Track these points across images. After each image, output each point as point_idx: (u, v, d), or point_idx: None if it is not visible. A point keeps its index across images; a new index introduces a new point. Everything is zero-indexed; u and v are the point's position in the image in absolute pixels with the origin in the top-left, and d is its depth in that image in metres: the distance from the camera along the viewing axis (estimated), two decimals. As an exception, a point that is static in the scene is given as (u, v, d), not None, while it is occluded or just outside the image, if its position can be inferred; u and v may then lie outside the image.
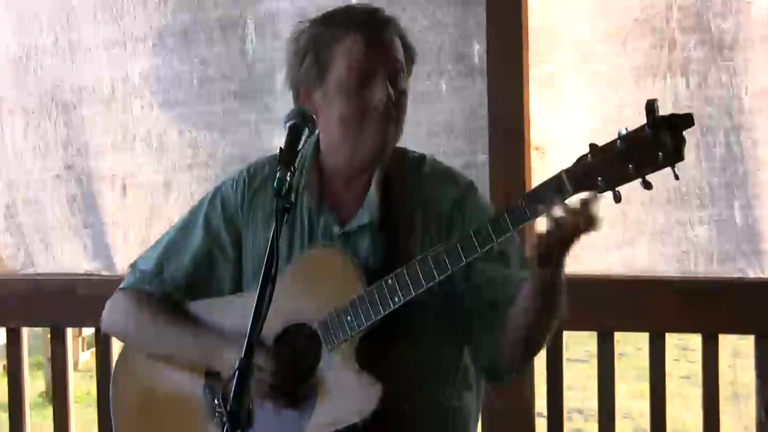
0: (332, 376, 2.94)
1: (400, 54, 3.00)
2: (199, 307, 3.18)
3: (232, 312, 3.10)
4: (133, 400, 3.26)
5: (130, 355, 3.29)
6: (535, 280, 2.77)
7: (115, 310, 3.26)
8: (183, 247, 3.20)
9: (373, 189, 3.04)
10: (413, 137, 4.09)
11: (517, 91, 4.06)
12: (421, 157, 3.15)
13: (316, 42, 2.99)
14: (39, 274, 4.63)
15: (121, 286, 3.28)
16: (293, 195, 2.57)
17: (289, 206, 2.54)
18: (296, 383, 2.98)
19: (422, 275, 2.80)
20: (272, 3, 4.31)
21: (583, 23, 4.09)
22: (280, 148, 2.66)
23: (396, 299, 2.84)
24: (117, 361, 3.33)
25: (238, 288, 3.18)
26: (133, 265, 3.29)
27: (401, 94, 2.99)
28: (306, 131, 2.70)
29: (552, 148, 4.09)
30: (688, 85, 3.99)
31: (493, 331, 2.96)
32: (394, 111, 2.97)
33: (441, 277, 2.80)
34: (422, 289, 2.82)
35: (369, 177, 3.05)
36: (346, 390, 2.91)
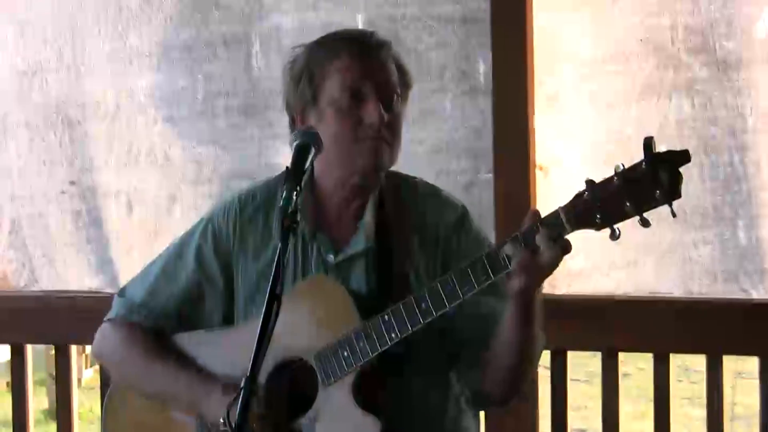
0: (329, 412, 2.93)
1: (394, 77, 3.01)
2: (188, 340, 3.17)
3: (222, 346, 3.10)
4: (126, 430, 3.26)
5: (121, 388, 3.28)
6: (515, 310, 2.78)
7: (105, 342, 3.27)
8: (173, 278, 3.20)
9: (368, 215, 3.04)
10: (416, 156, 4.11)
11: (521, 109, 4.06)
12: (414, 181, 3.16)
13: (310, 65, 3.00)
14: (43, 291, 4.63)
15: (109, 316, 3.27)
16: (299, 214, 2.57)
17: (295, 225, 2.54)
18: (292, 418, 2.97)
19: (419, 311, 2.80)
20: (277, 19, 4.32)
21: (587, 43, 4.10)
22: (287, 167, 2.66)
23: (393, 335, 2.83)
24: (109, 392, 3.32)
25: (227, 319, 3.17)
26: (121, 294, 3.28)
27: (395, 118, 2.99)
28: (312, 151, 2.71)
29: (556, 167, 4.09)
30: (692, 105, 3.99)
31: (477, 363, 2.96)
32: (387, 133, 2.97)
33: (437, 314, 2.79)
34: (419, 326, 2.81)
35: (363, 202, 3.05)
36: (344, 426, 2.90)
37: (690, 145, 3.97)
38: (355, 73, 2.96)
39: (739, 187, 4.00)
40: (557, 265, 2.67)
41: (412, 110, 4.14)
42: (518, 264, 2.66)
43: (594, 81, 4.10)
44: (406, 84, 3.06)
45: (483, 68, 4.17)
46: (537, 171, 4.07)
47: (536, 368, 3.05)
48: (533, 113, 4.08)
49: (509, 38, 4.08)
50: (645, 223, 2.54)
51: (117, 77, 4.48)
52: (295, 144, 2.71)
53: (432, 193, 3.14)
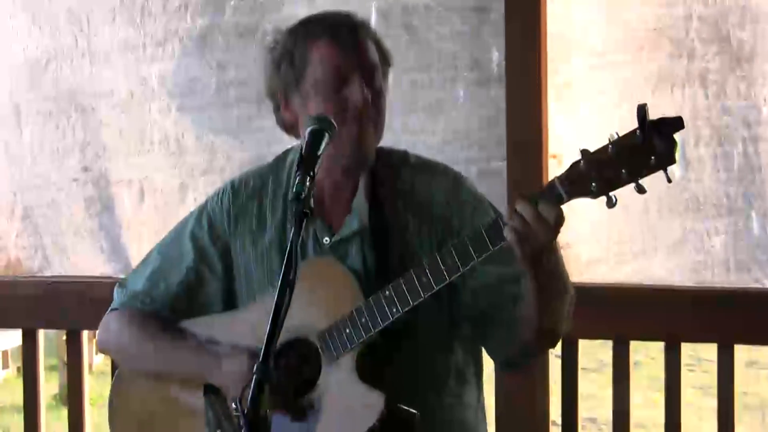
0: (334, 389, 2.95)
1: (374, 55, 3.02)
2: (192, 325, 3.19)
3: (226, 330, 3.12)
4: (131, 423, 3.28)
5: (126, 377, 3.30)
6: (530, 281, 2.79)
7: (108, 329, 3.29)
8: (172, 266, 3.22)
9: (360, 194, 3.05)
10: (428, 145, 4.12)
11: (535, 98, 4.06)
12: (404, 154, 3.16)
13: (290, 49, 3.03)
14: (55, 277, 4.64)
15: (111, 307, 3.29)
16: (312, 200, 2.57)
17: (308, 211, 2.55)
18: (297, 397, 2.99)
19: (419, 285, 2.81)
20: (291, 9, 4.32)
21: (600, 32, 4.10)
22: (300, 152, 2.67)
23: (394, 310, 2.85)
24: (112, 385, 3.33)
25: (228, 304, 3.20)
26: (121, 285, 3.30)
27: (378, 94, 3.01)
28: (326, 136, 2.72)
29: (569, 156, 4.08)
30: (706, 95, 3.99)
31: (500, 329, 2.97)
32: (372, 111, 2.98)
33: (438, 287, 2.81)
34: (420, 300, 2.83)
35: (355, 182, 3.06)
36: (349, 402, 2.92)
37: (703, 136, 3.97)
38: (337, 54, 2.98)
39: (752, 178, 4.00)
40: (555, 234, 2.68)
41: (424, 99, 4.18)
42: (514, 234, 2.66)
43: (607, 70, 4.10)
44: (386, 62, 3.07)
45: (496, 57, 4.17)
46: (551, 160, 4.08)
47: (565, 325, 3.02)
48: (546, 102, 4.08)
49: (522, 27, 4.08)
50: (641, 190, 2.55)
51: (131, 65, 4.49)
52: (308, 130, 2.73)
53: (424, 165, 3.15)
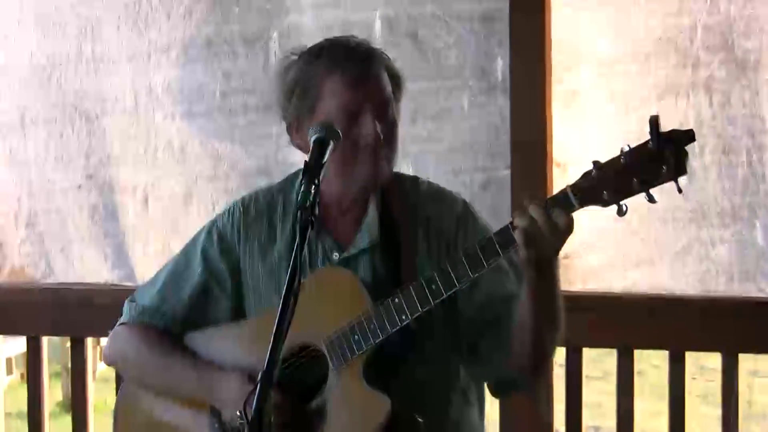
0: (340, 394, 2.95)
1: (387, 86, 3.02)
2: (200, 336, 3.20)
3: (233, 340, 3.14)
4: None
5: (131, 390, 3.30)
6: (529, 289, 2.80)
7: (117, 343, 3.29)
8: (182, 281, 3.23)
9: (371, 213, 3.06)
10: (434, 153, 4.12)
11: (539, 107, 4.07)
12: (415, 179, 3.18)
13: (302, 80, 3.02)
14: (59, 284, 4.65)
15: (121, 320, 3.30)
16: (317, 209, 2.58)
17: (313, 219, 2.55)
18: (304, 403, 3.00)
19: (429, 292, 2.83)
20: (297, 17, 4.33)
21: (606, 42, 4.10)
22: (305, 161, 2.67)
23: (403, 317, 2.86)
24: (117, 398, 3.34)
25: (237, 320, 3.20)
26: (132, 300, 3.31)
27: (390, 127, 3.02)
28: (331, 145, 2.72)
29: (574, 164, 4.09)
30: (711, 104, 4.00)
31: (498, 346, 2.97)
32: (384, 145, 2.99)
33: (447, 294, 2.82)
34: (429, 307, 2.84)
35: (366, 202, 3.07)
36: (354, 406, 2.93)
37: (708, 145, 3.98)
38: (350, 93, 2.97)
39: (756, 187, 4.01)
40: (564, 240, 2.71)
41: (430, 108, 4.18)
42: (524, 236, 2.69)
43: (613, 80, 4.10)
44: (399, 87, 3.08)
45: (501, 66, 4.18)
46: (555, 168, 4.08)
47: (554, 352, 3.04)
48: (551, 111, 4.09)
49: (528, 36, 4.09)
50: (651, 200, 2.59)
51: (136, 72, 4.50)
52: (313, 139, 2.73)
53: (433, 189, 3.16)
